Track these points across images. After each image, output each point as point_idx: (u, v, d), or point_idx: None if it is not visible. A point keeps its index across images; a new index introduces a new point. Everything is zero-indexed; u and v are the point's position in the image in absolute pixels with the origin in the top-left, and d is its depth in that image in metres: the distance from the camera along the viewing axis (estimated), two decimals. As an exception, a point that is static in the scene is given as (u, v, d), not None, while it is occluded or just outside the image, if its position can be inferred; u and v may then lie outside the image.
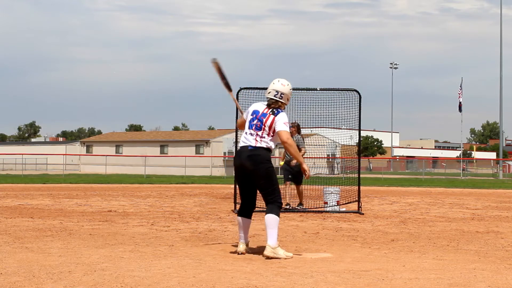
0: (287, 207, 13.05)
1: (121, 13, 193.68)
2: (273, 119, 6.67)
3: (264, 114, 6.74)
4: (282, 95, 6.80)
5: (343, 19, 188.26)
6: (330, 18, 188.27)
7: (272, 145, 6.73)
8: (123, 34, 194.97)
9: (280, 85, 6.83)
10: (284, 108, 6.89)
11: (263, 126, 6.68)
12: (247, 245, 6.83)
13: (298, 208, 13.08)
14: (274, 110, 6.75)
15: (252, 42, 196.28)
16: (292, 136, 13.35)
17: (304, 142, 13.54)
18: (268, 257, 6.42)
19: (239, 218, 6.88)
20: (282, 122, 6.64)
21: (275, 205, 6.58)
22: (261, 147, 6.65)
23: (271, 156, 6.86)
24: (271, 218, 6.50)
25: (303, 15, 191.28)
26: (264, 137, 6.66)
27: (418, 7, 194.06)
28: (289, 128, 12.28)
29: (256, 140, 6.65)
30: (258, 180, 6.66)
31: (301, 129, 13.62)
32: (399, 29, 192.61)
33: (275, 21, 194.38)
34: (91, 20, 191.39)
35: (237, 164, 6.77)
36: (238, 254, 6.69)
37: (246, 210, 6.86)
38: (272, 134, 6.69)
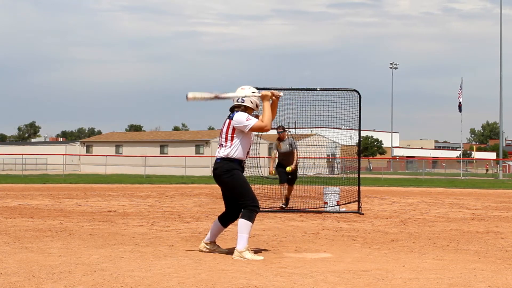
0: (283, 206, 13.06)
1: (122, 13, 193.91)
2: (229, 122, 6.59)
3: (224, 122, 6.70)
4: (243, 99, 6.68)
5: (345, 19, 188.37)
6: (332, 18, 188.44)
7: (232, 152, 6.55)
8: (124, 34, 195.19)
9: (240, 89, 6.74)
10: (251, 112, 6.68)
11: (221, 134, 6.68)
12: (210, 243, 6.85)
13: (283, 207, 13.07)
14: (230, 114, 6.69)
15: (254, 42, 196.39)
16: (282, 139, 13.38)
17: (296, 145, 13.57)
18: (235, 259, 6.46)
19: (216, 219, 6.94)
20: (244, 119, 6.51)
21: (247, 210, 6.55)
22: (221, 158, 6.60)
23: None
24: (240, 223, 6.54)
25: (305, 15, 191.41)
26: (222, 145, 6.62)
27: (421, 7, 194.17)
28: (280, 134, 12.20)
29: (218, 152, 6.67)
30: (225, 191, 6.74)
31: (301, 129, 13.63)
32: (400, 29, 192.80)
33: (277, 21, 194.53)
34: (91, 20, 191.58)
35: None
36: (200, 251, 6.82)
37: (224, 217, 6.87)
38: (231, 139, 6.56)
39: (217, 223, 6.89)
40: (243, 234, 6.48)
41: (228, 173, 6.56)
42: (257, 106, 6.77)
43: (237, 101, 6.71)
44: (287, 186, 13.33)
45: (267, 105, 6.62)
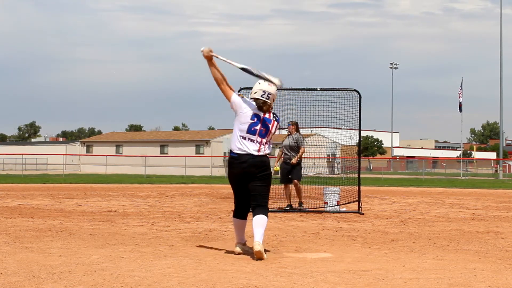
0: (288, 208, 13.04)
1: (122, 13, 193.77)
2: (277, 125, 6.73)
3: (268, 120, 6.65)
4: (269, 95, 6.65)
5: (345, 19, 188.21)
6: (332, 18, 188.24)
7: (269, 151, 6.75)
8: (125, 34, 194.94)
9: (267, 85, 6.65)
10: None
11: (268, 133, 6.66)
12: (244, 244, 6.86)
13: (299, 207, 13.05)
14: (276, 116, 6.75)
15: (254, 42, 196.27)
16: (291, 134, 13.39)
17: (304, 141, 13.53)
18: (258, 251, 6.33)
19: (235, 219, 6.92)
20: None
21: (265, 208, 6.67)
22: (264, 155, 6.65)
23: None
24: (263, 219, 6.57)
25: (305, 15, 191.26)
26: (267, 144, 6.66)
27: (421, 7, 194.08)
28: (288, 126, 12.38)
29: (260, 149, 6.60)
30: (259, 184, 6.65)
31: (301, 129, 13.61)
32: (401, 29, 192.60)
33: (278, 21, 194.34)
34: (92, 20, 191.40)
35: (237, 171, 6.62)
36: (236, 254, 6.74)
37: (242, 212, 6.87)
38: (271, 138, 6.74)
39: (240, 221, 6.86)
40: (263, 229, 6.52)
41: (270, 170, 6.70)
42: (273, 101, 6.82)
43: (262, 96, 6.65)
44: (289, 186, 13.31)
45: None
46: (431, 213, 12.68)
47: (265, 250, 7.05)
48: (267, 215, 6.64)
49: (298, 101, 12.95)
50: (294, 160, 13.14)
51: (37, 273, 5.44)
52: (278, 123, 6.73)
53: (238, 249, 6.79)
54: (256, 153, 6.57)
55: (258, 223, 6.53)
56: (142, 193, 19.24)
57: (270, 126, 6.63)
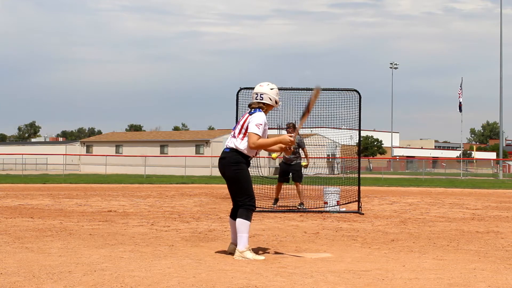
0: (274, 205, 13.09)
1: (123, 13, 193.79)
2: (247, 118, 6.63)
3: (243, 116, 6.76)
4: (262, 95, 6.72)
5: (346, 19, 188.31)
6: (333, 18, 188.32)
7: (242, 146, 6.57)
8: (125, 34, 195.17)
9: (258, 86, 6.80)
10: (267, 110, 6.74)
11: (237, 126, 6.69)
12: (236, 245, 6.83)
13: (299, 207, 13.07)
14: (252, 110, 6.73)
15: (254, 42, 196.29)
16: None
17: (304, 142, 13.56)
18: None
19: (230, 219, 6.92)
20: (254, 124, 6.51)
21: (244, 209, 6.55)
22: (231, 149, 6.61)
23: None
24: (239, 223, 6.52)
25: (306, 15, 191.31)
26: (235, 137, 6.63)
27: (422, 7, 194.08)
28: (287, 128, 12.15)
29: (231, 141, 6.66)
30: (228, 183, 6.70)
31: (301, 129, 13.61)
32: (401, 29, 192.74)
33: (278, 21, 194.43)
34: (92, 20, 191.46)
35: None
36: (227, 254, 6.73)
37: (235, 212, 6.85)
38: (245, 133, 6.58)
39: (231, 221, 6.86)
40: (242, 234, 6.47)
41: (235, 165, 6.56)
42: (276, 102, 6.79)
43: (256, 99, 6.75)
44: (282, 185, 13.41)
45: (276, 138, 6.64)
46: (431, 213, 12.68)
47: (265, 250, 7.05)
48: (244, 218, 6.50)
49: (298, 101, 12.93)
50: (305, 164, 13.29)
51: (37, 273, 5.44)
52: (250, 114, 6.63)
53: (230, 249, 6.80)
54: (228, 145, 6.67)
55: (237, 229, 6.54)
56: (142, 193, 19.24)
57: (242, 120, 6.71)
